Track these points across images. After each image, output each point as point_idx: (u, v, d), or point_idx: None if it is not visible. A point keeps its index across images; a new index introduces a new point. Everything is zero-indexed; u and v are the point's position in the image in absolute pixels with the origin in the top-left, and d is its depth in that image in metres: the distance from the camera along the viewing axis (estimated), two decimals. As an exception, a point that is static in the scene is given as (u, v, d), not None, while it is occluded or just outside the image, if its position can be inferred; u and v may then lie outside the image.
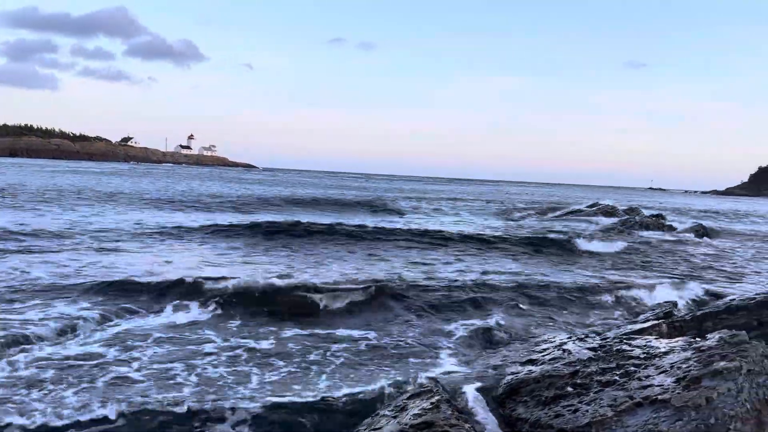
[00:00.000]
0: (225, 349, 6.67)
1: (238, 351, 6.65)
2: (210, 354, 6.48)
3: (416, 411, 4.52)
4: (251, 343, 6.93)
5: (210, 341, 6.93)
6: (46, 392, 5.20)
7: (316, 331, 7.54)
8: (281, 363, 6.31)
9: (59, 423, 4.67)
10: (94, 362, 6.02)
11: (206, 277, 9.57)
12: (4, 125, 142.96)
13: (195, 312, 8.15)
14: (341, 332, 7.55)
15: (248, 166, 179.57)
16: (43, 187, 30.74)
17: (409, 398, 5.03)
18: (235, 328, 7.54)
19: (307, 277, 10.30)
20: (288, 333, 7.39)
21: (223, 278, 9.43)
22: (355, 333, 7.59)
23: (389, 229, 17.98)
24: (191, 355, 6.40)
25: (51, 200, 23.86)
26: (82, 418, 4.75)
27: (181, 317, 7.91)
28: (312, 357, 6.60)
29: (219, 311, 8.16)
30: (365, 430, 4.40)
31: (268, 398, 5.35)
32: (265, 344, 6.94)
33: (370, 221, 21.37)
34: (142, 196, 29.25)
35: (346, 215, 24.67)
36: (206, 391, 5.47)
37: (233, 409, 5.03)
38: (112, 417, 4.80)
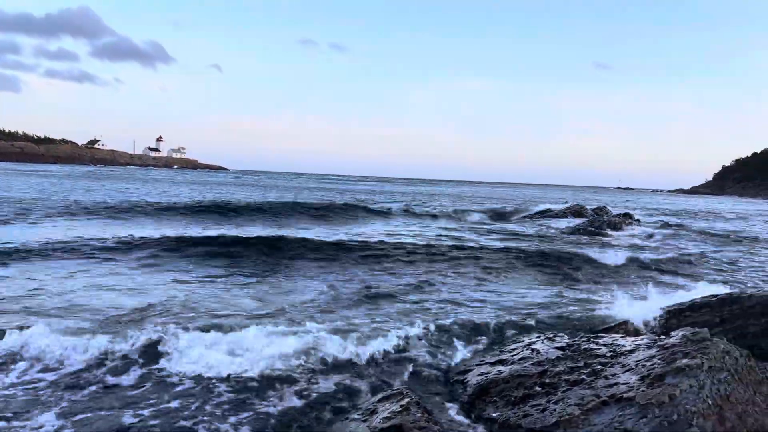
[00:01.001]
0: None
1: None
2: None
3: (386, 414, 4.52)
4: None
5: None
6: None
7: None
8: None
9: None
10: None
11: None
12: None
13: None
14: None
15: (219, 168, 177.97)
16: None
17: (378, 401, 5.02)
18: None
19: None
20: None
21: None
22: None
23: (353, 243, 15.31)
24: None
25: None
26: None
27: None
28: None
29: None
30: (335, 434, 4.38)
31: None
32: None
33: (323, 232, 18.74)
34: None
35: (302, 224, 22.06)
36: None
37: None
38: None
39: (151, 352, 6.12)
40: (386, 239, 16.81)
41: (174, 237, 14.67)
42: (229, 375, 5.61)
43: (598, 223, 23.06)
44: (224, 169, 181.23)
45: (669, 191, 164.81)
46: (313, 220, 23.78)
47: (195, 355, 5.99)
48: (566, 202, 34.33)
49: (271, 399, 5.23)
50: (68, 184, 42.20)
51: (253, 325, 6.86)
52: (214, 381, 5.54)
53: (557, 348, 6.29)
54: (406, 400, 4.86)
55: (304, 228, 20.24)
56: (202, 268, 11.60)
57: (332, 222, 23.51)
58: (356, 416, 4.64)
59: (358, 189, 65.00)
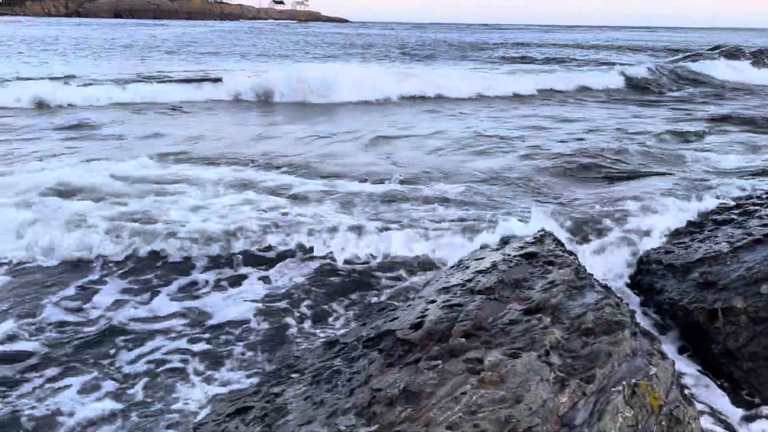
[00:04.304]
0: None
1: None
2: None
3: (520, 243, 4.56)
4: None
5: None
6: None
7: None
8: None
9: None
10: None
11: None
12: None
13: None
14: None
15: (341, 21, 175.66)
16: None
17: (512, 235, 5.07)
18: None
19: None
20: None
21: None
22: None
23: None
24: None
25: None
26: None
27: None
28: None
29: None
30: (468, 260, 4.51)
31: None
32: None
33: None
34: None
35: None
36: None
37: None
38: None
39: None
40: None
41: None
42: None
43: (760, 65, 20.54)
44: (345, 20, 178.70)
45: None
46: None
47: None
48: (719, 45, 30.68)
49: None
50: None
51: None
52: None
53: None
54: (540, 233, 4.86)
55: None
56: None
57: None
58: (490, 245, 4.73)
59: (522, 38, 55.98)
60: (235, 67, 21.37)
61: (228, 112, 12.88)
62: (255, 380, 3.52)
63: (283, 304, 4.41)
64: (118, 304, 4.33)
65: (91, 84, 15.12)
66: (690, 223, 5.11)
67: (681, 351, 3.89)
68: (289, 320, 4.22)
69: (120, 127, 10.49)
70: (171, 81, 16.26)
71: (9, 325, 3.88)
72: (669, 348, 3.68)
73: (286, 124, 11.58)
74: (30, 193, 6.10)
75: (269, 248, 5.20)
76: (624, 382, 2.56)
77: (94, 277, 4.68)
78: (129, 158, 7.71)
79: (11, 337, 3.78)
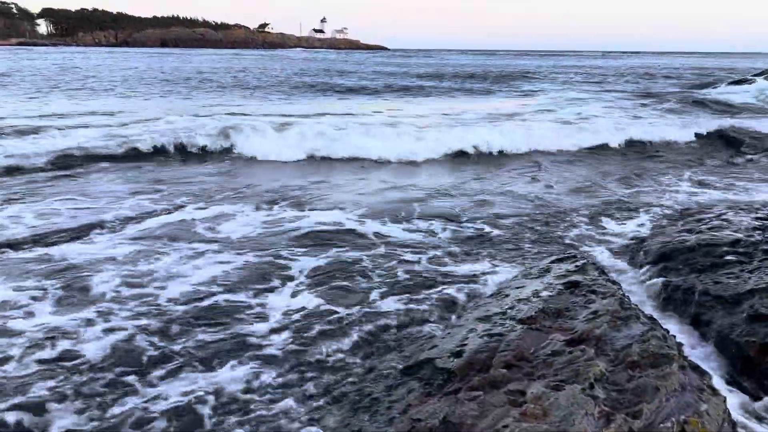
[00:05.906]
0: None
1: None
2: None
3: (561, 272, 4.48)
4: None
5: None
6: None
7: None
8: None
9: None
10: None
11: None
12: (154, 17, 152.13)
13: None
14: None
15: (380, 48, 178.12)
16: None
17: (552, 262, 5.00)
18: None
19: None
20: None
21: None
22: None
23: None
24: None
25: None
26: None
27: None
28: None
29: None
30: (508, 287, 4.46)
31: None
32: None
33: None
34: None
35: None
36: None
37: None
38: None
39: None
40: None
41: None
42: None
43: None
44: (384, 48, 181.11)
45: None
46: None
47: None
48: None
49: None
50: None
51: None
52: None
53: (754, 218, 5.74)
54: (582, 261, 4.78)
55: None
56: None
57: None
58: (530, 272, 4.67)
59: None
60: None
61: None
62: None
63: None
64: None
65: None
66: (736, 253, 4.94)
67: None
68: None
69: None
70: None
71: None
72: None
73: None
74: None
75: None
76: (673, 419, 2.47)
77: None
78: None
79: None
